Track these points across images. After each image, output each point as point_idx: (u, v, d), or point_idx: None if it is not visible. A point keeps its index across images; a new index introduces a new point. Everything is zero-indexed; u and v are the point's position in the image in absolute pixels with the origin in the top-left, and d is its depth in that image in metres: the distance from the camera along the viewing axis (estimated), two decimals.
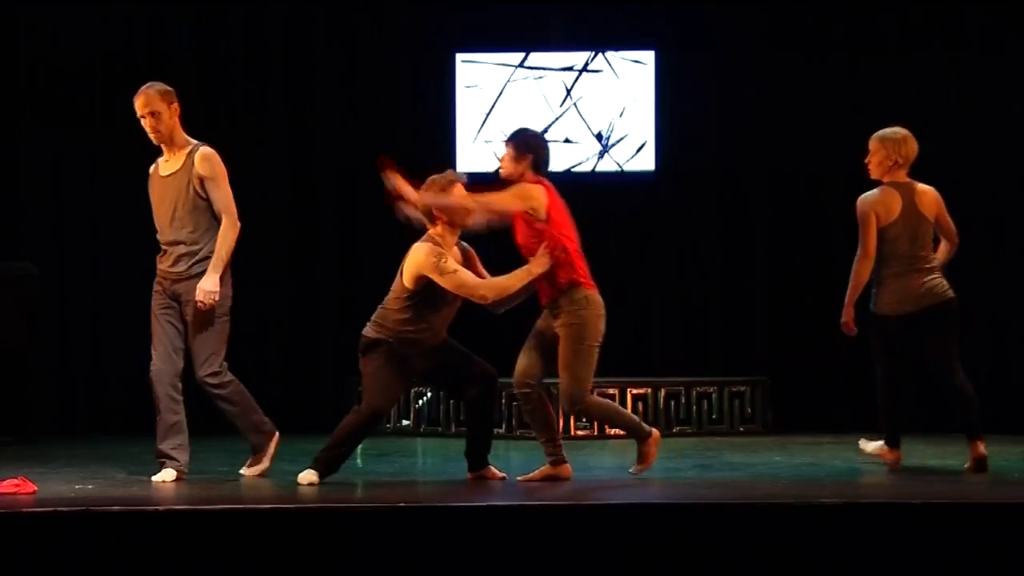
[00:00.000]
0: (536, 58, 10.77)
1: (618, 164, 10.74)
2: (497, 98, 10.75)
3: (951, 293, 7.77)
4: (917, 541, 5.68)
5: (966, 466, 7.66)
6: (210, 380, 7.33)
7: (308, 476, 6.99)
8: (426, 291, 7.03)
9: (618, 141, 10.75)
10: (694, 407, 10.21)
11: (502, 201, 7.08)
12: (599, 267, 10.95)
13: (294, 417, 9.21)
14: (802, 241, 10.73)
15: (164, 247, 7.41)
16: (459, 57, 10.67)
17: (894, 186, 7.81)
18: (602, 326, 7.14)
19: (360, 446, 7.31)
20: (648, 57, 10.73)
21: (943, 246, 7.96)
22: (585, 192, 10.76)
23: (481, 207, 7.06)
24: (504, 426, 9.82)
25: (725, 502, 6.01)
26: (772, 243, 10.82)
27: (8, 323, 9.84)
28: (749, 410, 10.28)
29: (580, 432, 9.88)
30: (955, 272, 10.47)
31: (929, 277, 7.76)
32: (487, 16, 10.86)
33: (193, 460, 7.37)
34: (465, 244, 7.26)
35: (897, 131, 7.84)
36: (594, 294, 7.15)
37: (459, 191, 7.09)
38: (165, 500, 6.48)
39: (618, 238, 10.70)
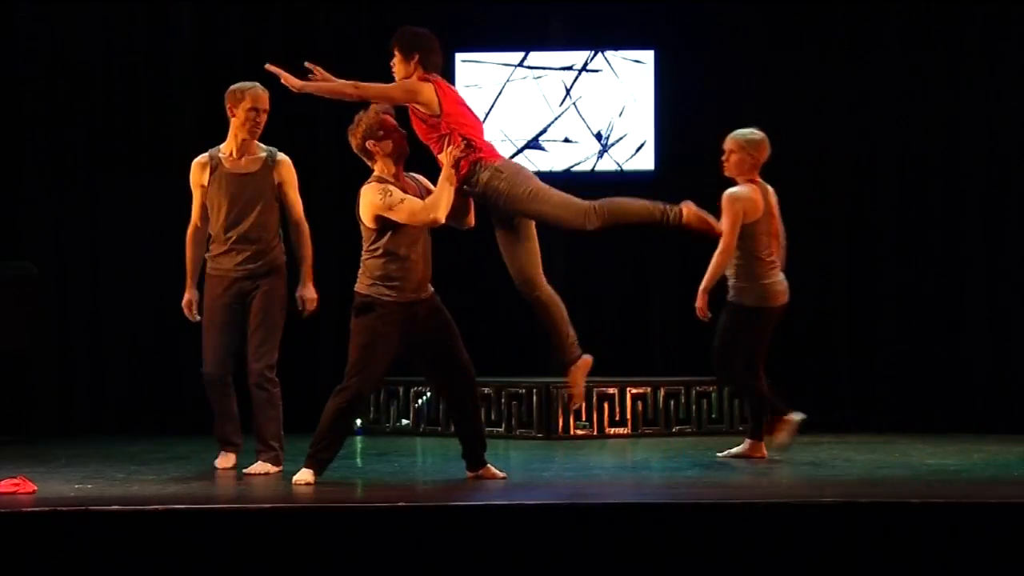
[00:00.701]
0: (536, 57, 10.76)
1: (617, 164, 10.74)
2: (497, 97, 10.75)
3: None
4: (917, 541, 5.68)
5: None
6: (267, 374, 7.49)
7: (304, 475, 6.97)
8: (389, 225, 6.95)
9: (618, 140, 10.75)
10: (694, 407, 10.21)
11: (385, 90, 7.08)
12: (598, 267, 11.03)
13: (294, 417, 9.19)
14: (801, 240, 10.71)
15: (232, 245, 7.50)
16: (459, 57, 10.66)
17: (754, 184, 8.10)
18: (526, 172, 7.08)
19: (359, 445, 7.29)
20: (648, 56, 10.72)
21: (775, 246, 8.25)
22: (585, 191, 10.74)
23: (363, 93, 7.03)
24: (504, 426, 9.82)
25: (725, 502, 6.01)
26: None
27: (8, 323, 9.84)
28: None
29: (580, 432, 9.88)
30: (955, 272, 10.53)
31: (782, 277, 8.19)
32: (487, 16, 10.85)
33: (194, 459, 7.40)
34: (416, 175, 7.18)
35: (755, 133, 8.16)
36: (495, 162, 7.05)
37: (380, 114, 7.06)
38: (165, 500, 6.48)
39: (617, 237, 10.67)
